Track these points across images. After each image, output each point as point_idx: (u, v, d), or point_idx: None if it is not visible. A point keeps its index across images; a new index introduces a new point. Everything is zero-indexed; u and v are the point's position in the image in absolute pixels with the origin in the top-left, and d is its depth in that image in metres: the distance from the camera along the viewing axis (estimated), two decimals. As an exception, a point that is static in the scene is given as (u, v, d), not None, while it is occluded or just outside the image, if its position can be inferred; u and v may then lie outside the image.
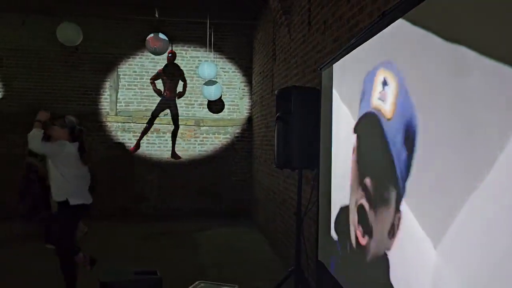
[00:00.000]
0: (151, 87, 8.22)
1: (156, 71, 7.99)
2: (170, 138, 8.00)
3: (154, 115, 7.77)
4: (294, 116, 3.41)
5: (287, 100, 3.48)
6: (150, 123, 7.77)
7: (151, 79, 7.84)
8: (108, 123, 8.16)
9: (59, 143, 3.83)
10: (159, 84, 7.85)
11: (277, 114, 3.61)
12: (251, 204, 8.27)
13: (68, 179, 3.81)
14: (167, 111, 7.92)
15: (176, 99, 7.90)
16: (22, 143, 7.60)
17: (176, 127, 7.90)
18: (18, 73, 7.96)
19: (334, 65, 3.04)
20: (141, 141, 7.90)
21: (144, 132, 7.83)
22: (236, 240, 6.57)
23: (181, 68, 8.14)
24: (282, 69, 5.75)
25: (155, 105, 8.18)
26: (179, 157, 8.00)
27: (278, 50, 6.06)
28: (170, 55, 7.77)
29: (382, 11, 2.29)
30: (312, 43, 4.42)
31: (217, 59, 8.20)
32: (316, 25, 4.28)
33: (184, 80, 8.05)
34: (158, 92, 7.81)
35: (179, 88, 7.97)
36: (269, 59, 6.67)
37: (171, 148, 8.02)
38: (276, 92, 3.78)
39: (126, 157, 8.08)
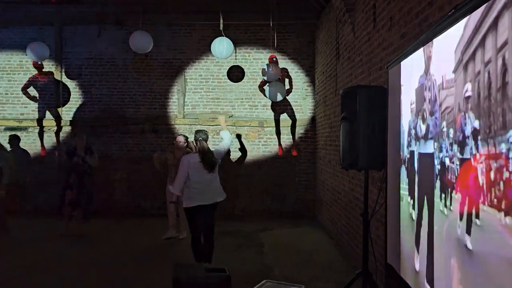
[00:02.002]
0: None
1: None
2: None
3: (276, 119, 8.36)
4: (360, 116, 3.35)
5: (353, 99, 3.43)
6: (278, 126, 8.37)
7: (259, 86, 8.14)
8: (176, 126, 8.51)
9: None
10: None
11: (343, 114, 3.57)
12: (315, 205, 8.22)
13: (187, 185, 4.67)
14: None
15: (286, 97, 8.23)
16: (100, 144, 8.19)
17: (293, 121, 8.37)
18: (95, 80, 8.56)
19: (402, 62, 2.95)
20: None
21: (278, 134, 8.39)
22: (301, 241, 6.56)
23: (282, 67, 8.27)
24: (346, 68, 5.66)
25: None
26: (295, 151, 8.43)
27: (341, 48, 5.97)
28: (274, 58, 7.96)
29: (455, 4, 2.19)
30: (377, 40, 4.31)
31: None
32: (381, 21, 4.17)
33: (290, 78, 8.27)
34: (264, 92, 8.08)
35: (286, 85, 8.21)
36: (332, 58, 6.59)
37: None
38: (341, 91, 3.73)
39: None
